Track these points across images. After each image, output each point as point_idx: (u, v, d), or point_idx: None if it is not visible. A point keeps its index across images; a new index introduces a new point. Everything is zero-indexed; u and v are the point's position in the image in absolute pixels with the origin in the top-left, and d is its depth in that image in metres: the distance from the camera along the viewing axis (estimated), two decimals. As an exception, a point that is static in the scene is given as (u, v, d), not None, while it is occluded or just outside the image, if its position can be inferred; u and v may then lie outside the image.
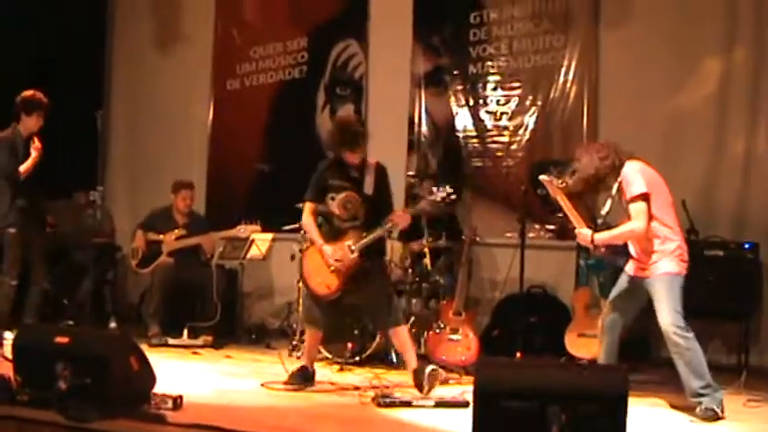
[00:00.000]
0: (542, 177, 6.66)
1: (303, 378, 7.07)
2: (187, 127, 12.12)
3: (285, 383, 7.02)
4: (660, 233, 6.30)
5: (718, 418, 6.11)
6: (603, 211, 6.56)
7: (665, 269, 6.26)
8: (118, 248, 11.37)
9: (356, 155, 6.97)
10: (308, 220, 7.11)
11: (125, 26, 12.74)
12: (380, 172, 7.14)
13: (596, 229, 6.53)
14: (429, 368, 6.85)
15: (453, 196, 7.06)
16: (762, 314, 8.28)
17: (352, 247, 6.91)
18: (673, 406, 6.53)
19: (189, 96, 12.16)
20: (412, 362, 7.00)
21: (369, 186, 7.01)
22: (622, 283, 6.60)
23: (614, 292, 6.66)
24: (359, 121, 7.26)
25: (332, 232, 7.05)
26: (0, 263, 8.46)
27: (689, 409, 6.25)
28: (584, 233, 6.49)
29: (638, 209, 6.26)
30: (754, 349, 8.33)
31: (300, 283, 7.70)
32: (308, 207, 7.11)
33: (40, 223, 9.03)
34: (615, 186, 6.44)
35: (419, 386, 6.80)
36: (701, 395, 6.14)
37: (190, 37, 12.25)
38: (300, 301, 8.30)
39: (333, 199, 7.02)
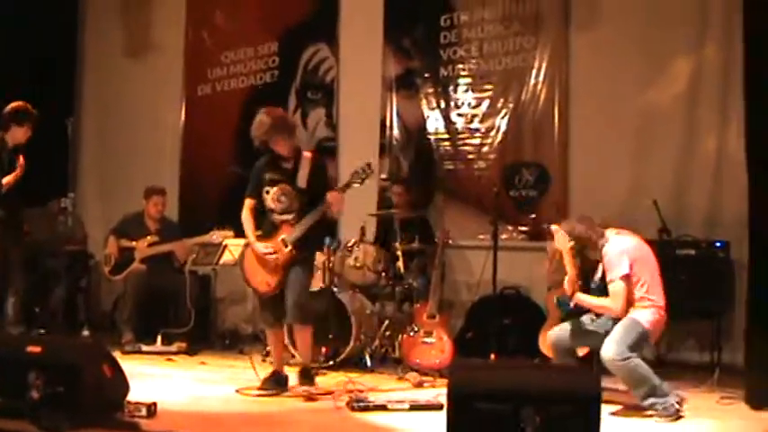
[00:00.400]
0: (554, 228, 6.65)
1: (276, 382, 7.06)
2: (159, 133, 12.08)
3: (259, 389, 7.00)
4: (645, 302, 6.35)
5: (680, 416, 6.14)
6: (597, 277, 6.58)
7: (636, 315, 6.29)
8: (90, 256, 11.29)
9: (288, 145, 7.00)
10: (245, 216, 7.14)
11: (96, 33, 12.68)
12: (316, 163, 7.16)
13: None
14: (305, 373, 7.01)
15: (370, 169, 7.10)
16: (734, 312, 8.29)
17: (287, 240, 6.91)
18: (641, 408, 6.51)
19: (160, 102, 12.12)
20: (303, 360, 7.16)
21: (302, 179, 7.00)
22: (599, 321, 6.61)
23: (587, 319, 6.67)
24: (274, 112, 7.19)
25: (269, 227, 7.06)
26: None
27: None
28: (571, 288, 6.54)
29: (616, 290, 6.27)
30: (726, 347, 8.34)
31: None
32: (246, 203, 7.16)
33: (18, 233, 8.98)
34: (600, 269, 6.50)
35: (298, 379, 7.03)
36: (649, 396, 6.18)
37: (161, 43, 12.22)
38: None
39: (267, 193, 7.02)
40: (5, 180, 8.40)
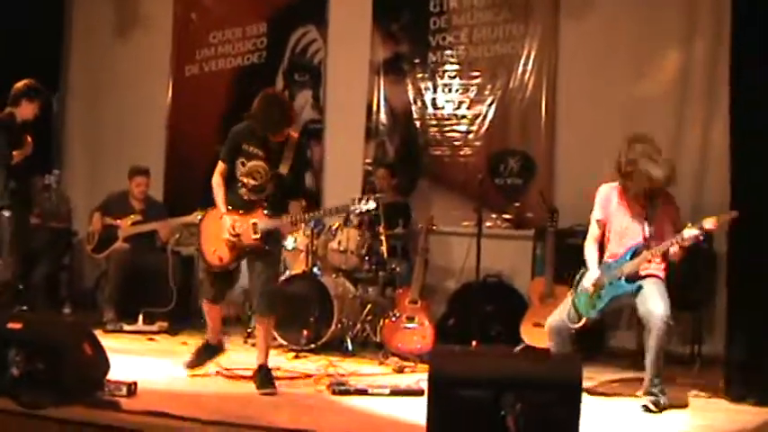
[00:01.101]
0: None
1: (208, 354, 7.01)
2: (146, 112, 11.97)
3: (191, 363, 6.95)
4: None
5: (664, 409, 6.16)
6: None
7: (662, 276, 6.38)
8: (74, 233, 11.25)
9: (280, 136, 6.50)
10: (216, 180, 6.68)
11: (84, 9, 12.57)
12: (298, 149, 6.65)
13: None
14: (263, 374, 6.52)
15: (374, 210, 6.76)
16: (715, 304, 8.32)
17: (258, 228, 6.48)
18: (626, 395, 6.55)
19: (148, 81, 12.00)
20: (260, 357, 6.59)
21: (285, 165, 6.53)
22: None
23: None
24: (287, 101, 6.83)
25: (235, 200, 6.61)
26: None
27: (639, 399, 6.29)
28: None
29: None
30: (707, 339, 8.38)
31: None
32: (219, 166, 6.69)
33: (26, 209, 8.99)
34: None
35: (255, 381, 6.50)
36: (654, 386, 6.19)
37: (149, 21, 12.10)
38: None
39: (243, 165, 6.54)
40: (16, 152, 8.39)
